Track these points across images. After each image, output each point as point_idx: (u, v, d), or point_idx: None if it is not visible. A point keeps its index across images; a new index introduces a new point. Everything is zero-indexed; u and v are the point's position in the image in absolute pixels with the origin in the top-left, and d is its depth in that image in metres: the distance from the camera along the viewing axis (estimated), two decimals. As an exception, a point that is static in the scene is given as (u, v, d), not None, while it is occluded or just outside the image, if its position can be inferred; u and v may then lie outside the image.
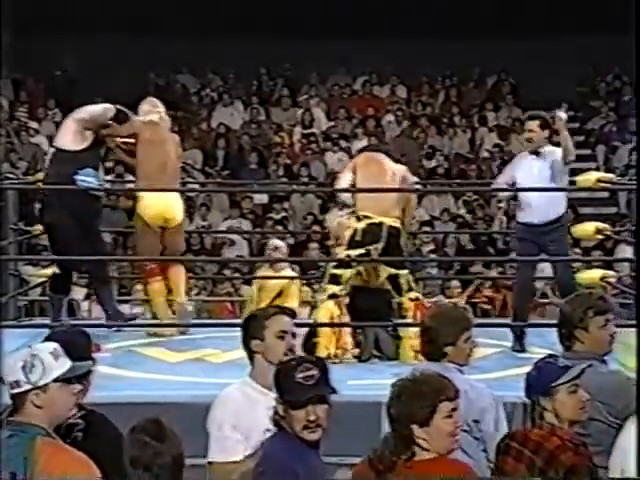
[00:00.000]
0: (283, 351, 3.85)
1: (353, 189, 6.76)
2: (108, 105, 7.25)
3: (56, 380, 3.27)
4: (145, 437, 3.28)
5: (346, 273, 6.53)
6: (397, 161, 6.96)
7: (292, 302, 8.47)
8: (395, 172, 6.77)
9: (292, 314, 4.01)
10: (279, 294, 8.60)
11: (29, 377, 3.25)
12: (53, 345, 3.35)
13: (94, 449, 3.31)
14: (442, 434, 3.29)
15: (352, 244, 6.56)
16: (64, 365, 3.29)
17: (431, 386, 3.31)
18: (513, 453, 3.59)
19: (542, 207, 6.87)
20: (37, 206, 7.05)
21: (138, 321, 7.64)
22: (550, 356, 3.81)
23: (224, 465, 3.80)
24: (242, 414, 3.80)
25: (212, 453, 3.84)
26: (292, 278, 8.97)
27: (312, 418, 3.32)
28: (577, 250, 12.18)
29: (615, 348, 4.08)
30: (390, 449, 3.28)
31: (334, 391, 3.38)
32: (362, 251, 6.51)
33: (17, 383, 3.25)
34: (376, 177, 6.69)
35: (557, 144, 7.02)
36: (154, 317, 7.42)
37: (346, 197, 6.90)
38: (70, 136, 6.98)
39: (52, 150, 7.10)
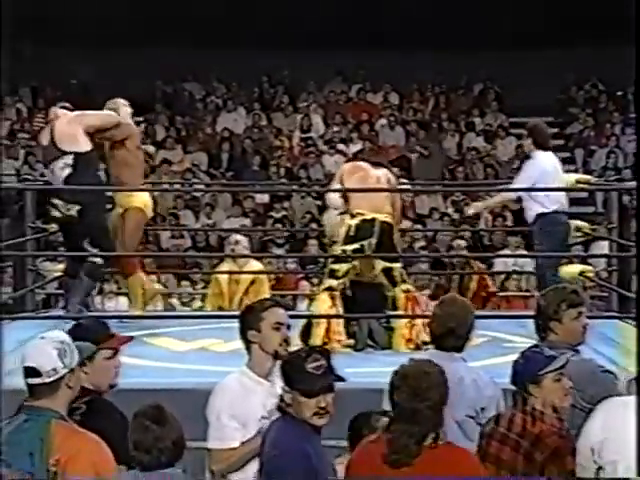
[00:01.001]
0: (278, 342, 3.83)
1: (346, 188, 6.71)
2: (112, 113, 7.21)
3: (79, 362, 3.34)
4: (146, 422, 3.27)
5: (343, 267, 6.53)
6: (379, 164, 6.96)
7: (264, 289, 8.50)
8: (379, 176, 6.79)
9: (286, 307, 4.00)
10: (252, 282, 8.53)
11: (64, 362, 3.26)
12: (63, 333, 3.37)
13: (94, 432, 3.30)
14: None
15: (346, 239, 6.56)
16: (76, 348, 3.34)
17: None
18: (498, 437, 3.57)
19: (525, 209, 7.26)
20: (58, 204, 6.93)
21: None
22: (536, 346, 3.79)
23: (222, 452, 3.79)
24: (238, 403, 3.79)
25: (211, 441, 3.83)
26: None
27: (323, 405, 3.32)
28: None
29: (604, 344, 4.06)
30: (416, 437, 3.16)
31: (342, 379, 3.37)
32: (356, 246, 6.51)
33: (55, 370, 3.25)
34: (363, 181, 6.71)
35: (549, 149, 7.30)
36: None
37: (336, 204, 6.90)
38: (82, 139, 6.93)
39: (70, 156, 6.92)
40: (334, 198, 6.89)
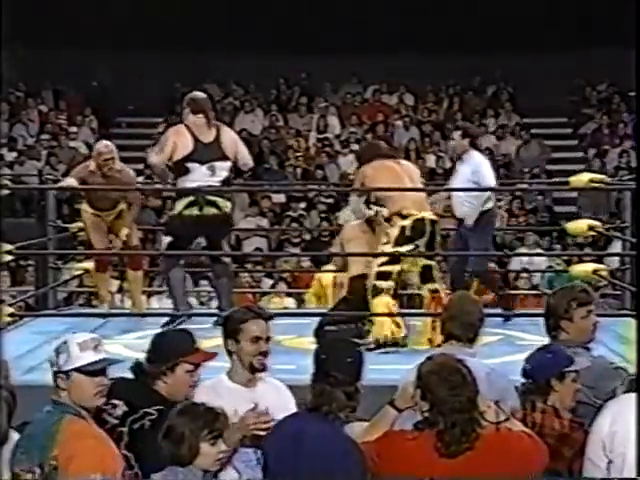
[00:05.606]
0: (254, 354, 3.71)
1: (377, 188, 6.43)
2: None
3: (78, 369, 3.27)
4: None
5: (395, 268, 6.32)
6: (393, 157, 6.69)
7: None
8: (411, 173, 6.57)
9: (269, 317, 3.79)
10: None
11: (57, 361, 3.29)
12: (89, 336, 3.34)
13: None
14: None
15: (400, 240, 6.32)
16: (87, 358, 3.27)
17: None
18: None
19: (458, 206, 7.38)
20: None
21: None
22: (551, 344, 3.78)
23: None
24: None
25: None
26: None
27: None
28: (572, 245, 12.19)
29: (617, 342, 4.05)
30: (469, 424, 3.19)
31: None
32: (411, 247, 6.32)
33: (51, 364, 3.32)
34: (396, 181, 6.40)
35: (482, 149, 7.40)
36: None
37: (359, 214, 6.58)
38: None
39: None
40: (359, 209, 6.57)
